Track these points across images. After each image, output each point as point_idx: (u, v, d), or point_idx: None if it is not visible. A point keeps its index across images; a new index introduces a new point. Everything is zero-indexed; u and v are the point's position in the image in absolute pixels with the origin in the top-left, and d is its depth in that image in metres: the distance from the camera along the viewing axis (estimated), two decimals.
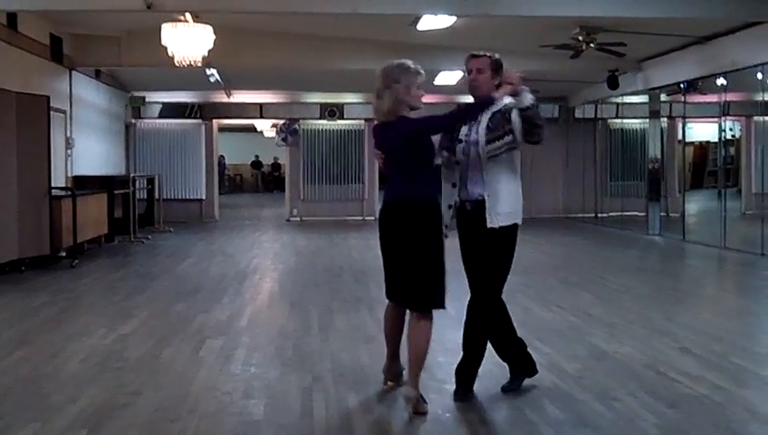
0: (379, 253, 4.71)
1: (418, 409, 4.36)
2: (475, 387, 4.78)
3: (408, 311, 4.62)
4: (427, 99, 4.86)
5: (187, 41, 10.40)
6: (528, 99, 4.45)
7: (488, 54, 4.74)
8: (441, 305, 4.51)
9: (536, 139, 4.49)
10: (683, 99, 14.81)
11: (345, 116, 18.97)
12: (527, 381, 5.00)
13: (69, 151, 13.47)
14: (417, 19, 10.87)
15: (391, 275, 4.63)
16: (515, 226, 4.68)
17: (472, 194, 4.61)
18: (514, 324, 4.92)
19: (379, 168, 4.64)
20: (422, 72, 4.66)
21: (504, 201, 4.57)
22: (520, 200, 4.69)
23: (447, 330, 5.37)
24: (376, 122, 4.78)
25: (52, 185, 10.80)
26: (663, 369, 5.36)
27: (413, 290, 4.49)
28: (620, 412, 4.45)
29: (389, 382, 4.90)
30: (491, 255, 4.61)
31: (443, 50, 12.86)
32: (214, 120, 19.50)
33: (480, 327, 4.69)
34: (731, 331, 6.77)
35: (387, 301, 4.80)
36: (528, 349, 4.98)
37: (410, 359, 4.49)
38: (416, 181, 4.52)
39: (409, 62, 4.65)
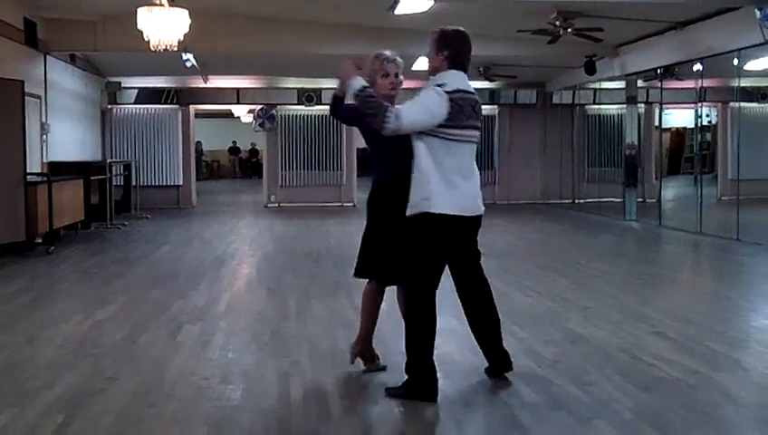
0: (359, 238, 4.78)
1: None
2: (453, 372, 4.81)
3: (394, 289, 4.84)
4: (405, 84, 4.86)
5: (163, 25, 10.30)
6: (351, 88, 4.40)
7: (439, 29, 4.62)
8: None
9: (376, 125, 4.32)
10: (660, 85, 14.90)
11: (323, 101, 18.89)
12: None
13: (44, 137, 13.33)
14: (396, 3, 10.83)
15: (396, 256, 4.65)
16: (417, 217, 4.47)
17: None
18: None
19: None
20: (390, 59, 4.67)
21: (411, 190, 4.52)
22: (422, 192, 4.43)
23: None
24: None
25: (28, 171, 10.69)
26: (638, 353, 5.41)
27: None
28: (595, 396, 4.49)
29: (369, 363, 4.93)
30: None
31: (420, 34, 12.78)
32: (190, 106, 19.35)
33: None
34: (706, 315, 6.84)
35: (369, 286, 4.89)
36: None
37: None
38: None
39: (380, 51, 4.73)
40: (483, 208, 4.63)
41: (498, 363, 4.81)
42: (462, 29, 4.61)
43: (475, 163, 4.63)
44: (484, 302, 4.82)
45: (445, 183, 4.39)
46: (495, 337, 4.81)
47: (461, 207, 4.47)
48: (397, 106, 4.38)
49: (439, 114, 4.34)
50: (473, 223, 4.60)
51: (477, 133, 4.60)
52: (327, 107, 4.72)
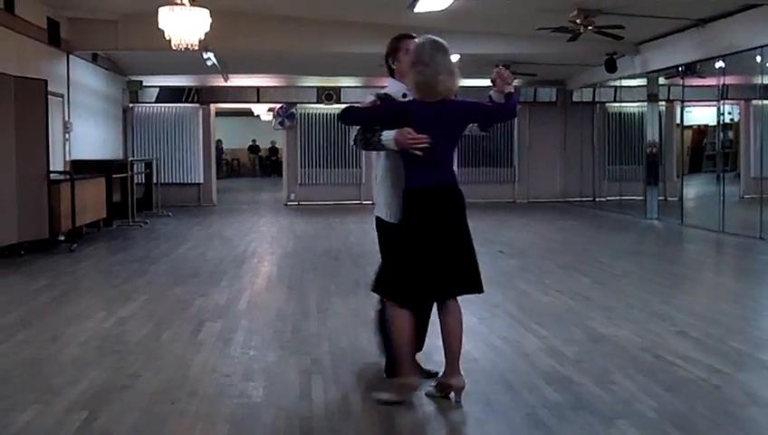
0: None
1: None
2: (474, 371, 4.81)
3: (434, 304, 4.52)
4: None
5: (185, 24, 10.36)
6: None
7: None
8: (482, 288, 4.50)
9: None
10: (681, 82, 14.80)
11: (342, 100, 18.93)
12: (525, 366, 5.03)
13: (67, 135, 13.44)
14: (415, 2, 10.83)
15: (434, 265, 4.28)
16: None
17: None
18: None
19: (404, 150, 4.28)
20: (413, 36, 4.68)
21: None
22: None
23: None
24: (411, 99, 4.41)
25: (51, 169, 10.78)
26: (661, 352, 5.38)
27: (463, 275, 4.39)
28: (618, 395, 4.47)
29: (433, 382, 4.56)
30: None
31: (440, 33, 12.78)
32: (211, 104, 19.46)
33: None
34: (729, 314, 6.79)
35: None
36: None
37: (454, 347, 4.34)
38: (451, 166, 4.41)
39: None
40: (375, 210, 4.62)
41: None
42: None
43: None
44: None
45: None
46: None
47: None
48: None
49: None
50: None
51: None
52: (346, 105, 4.66)
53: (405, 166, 4.36)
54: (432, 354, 4.85)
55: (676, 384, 4.66)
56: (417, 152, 4.22)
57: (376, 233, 4.66)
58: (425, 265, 4.26)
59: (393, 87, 4.63)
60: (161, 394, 4.52)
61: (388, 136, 4.29)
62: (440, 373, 4.48)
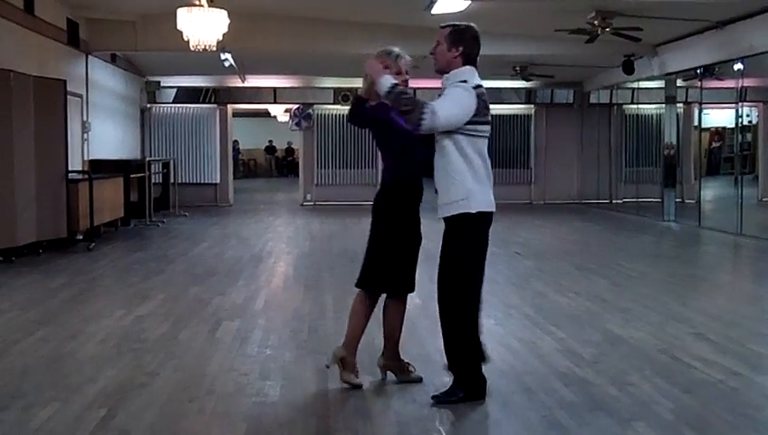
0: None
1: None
2: (491, 371, 4.80)
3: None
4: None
5: (202, 25, 10.42)
6: (382, 86, 4.32)
7: (450, 24, 4.53)
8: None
9: (412, 123, 4.24)
10: (699, 84, 14.72)
11: None
12: (542, 367, 5.03)
13: (85, 135, 13.53)
14: (432, 3, 10.84)
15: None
16: (457, 217, 4.44)
17: None
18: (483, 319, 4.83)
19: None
20: (401, 55, 4.67)
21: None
22: (458, 192, 4.38)
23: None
24: None
25: (69, 169, 10.85)
26: (678, 354, 5.36)
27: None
28: (635, 397, 4.45)
29: (401, 374, 4.77)
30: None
31: None
32: (228, 105, 19.52)
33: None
34: (747, 316, 6.76)
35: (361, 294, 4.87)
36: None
37: (397, 336, 4.75)
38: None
39: (389, 48, 4.77)
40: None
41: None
42: (472, 25, 4.54)
43: None
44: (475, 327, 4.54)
45: (478, 180, 4.37)
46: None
47: (492, 203, 4.48)
48: (431, 102, 4.27)
49: (470, 110, 4.28)
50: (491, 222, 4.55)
51: (489, 128, 4.49)
52: None
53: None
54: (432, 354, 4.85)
55: (694, 386, 4.65)
56: None
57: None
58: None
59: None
60: (179, 392, 4.55)
61: None
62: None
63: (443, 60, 4.43)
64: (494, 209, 4.47)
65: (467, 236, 4.41)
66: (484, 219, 4.41)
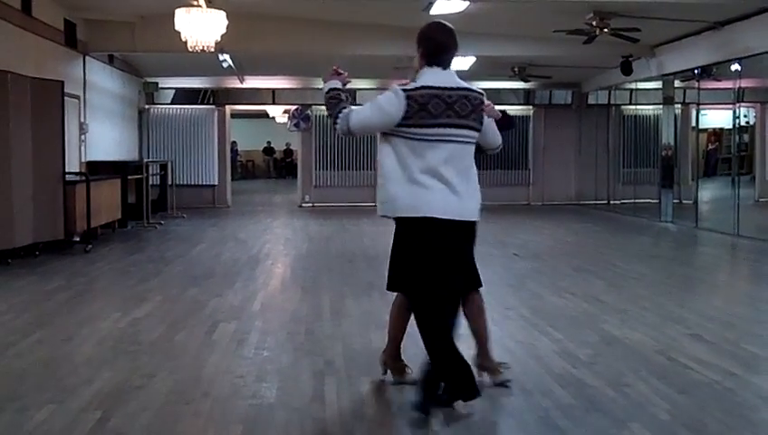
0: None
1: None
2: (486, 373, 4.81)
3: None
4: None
5: (201, 26, 10.40)
6: (324, 90, 4.40)
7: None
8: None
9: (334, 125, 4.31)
10: (697, 85, 14.73)
11: (357, 102, 18.95)
12: (538, 368, 5.04)
13: (83, 137, 13.52)
14: (430, 4, 10.83)
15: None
16: (398, 220, 4.33)
17: None
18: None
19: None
20: None
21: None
22: (383, 194, 4.32)
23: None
24: None
25: (67, 170, 10.83)
26: (675, 355, 5.36)
27: None
28: (632, 398, 4.46)
29: (398, 375, 4.77)
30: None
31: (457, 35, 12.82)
32: (226, 106, 19.51)
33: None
34: (743, 317, 6.77)
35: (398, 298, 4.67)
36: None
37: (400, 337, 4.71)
38: None
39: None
40: (472, 215, 4.26)
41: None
42: (442, 22, 4.39)
43: (466, 165, 4.23)
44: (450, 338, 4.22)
45: (409, 185, 4.14)
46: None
47: (430, 208, 4.11)
48: (352, 107, 4.28)
49: (394, 114, 4.11)
50: (455, 228, 4.17)
51: (461, 131, 4.16)
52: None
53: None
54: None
55: (690, 387, 4.65)
56: None
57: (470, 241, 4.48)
58: None
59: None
60: (175, 395, 4.55)
61: None
62: None
63: (416, 64, 4.35)
64: (440, 216, 4.11)
65: (401, 238, 4.32)
66: (416, 224, 4.13)
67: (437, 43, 4.27)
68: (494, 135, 4.49)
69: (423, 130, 4.11)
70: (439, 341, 4.10)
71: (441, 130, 4.12)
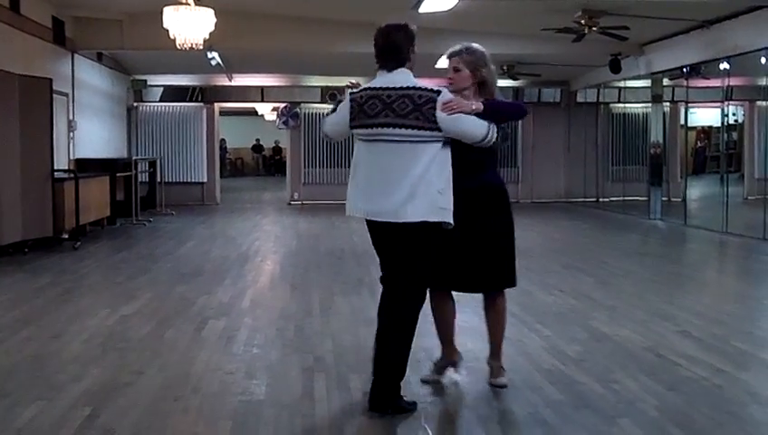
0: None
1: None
2: (477, 370, 4.81)
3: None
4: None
5: (189, 24, 10.40)
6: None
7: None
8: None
9: None
10: (686, 83, 14.79)
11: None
12: (528, 365, 5.05)
13: (71, 134, 13.47)
14: (419, 2, 10.84)
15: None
16: None
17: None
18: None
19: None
20: (448, 54, 4.72)
21: None
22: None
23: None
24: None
25: (55, 167, 10.80)
26: (663, 352, 5.38)
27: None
28: (620, 394, 4.47)
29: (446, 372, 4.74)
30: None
31: (444, 33, 12.79)
32: (215, 104, 19.48)
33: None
34: (732, 314, 6.80)
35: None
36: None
37: (499, 337, 4.70)
38: None
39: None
40: (394, 216, 4.14)
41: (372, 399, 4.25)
42: (384, 25, 4.38)
43: (407, 164, 4.14)
44: (383, 326, 4.31)
45: (352, 184, 4.36)
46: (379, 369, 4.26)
47: (358, 209, 4.29)
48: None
49: (345, 115, 4.32)
50: (380, 229, 4.25)
51: (398, 130, 4.13)
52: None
53: (490, 165, 4.60)
54: (415, 352, 4.86)
55: (679, 384, 4.67)
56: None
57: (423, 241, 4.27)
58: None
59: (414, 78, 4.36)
60: (164, 391, 4.54)
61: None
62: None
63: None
64: (368, 217, 4.25)
65: None
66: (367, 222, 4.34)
67: (375, 46, 4.39)
68: (469, 130, 4.22)
69: (363, 131, 4.27)
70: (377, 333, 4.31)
71: (377, 130, 4.20)
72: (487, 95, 4.48)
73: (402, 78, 4.24)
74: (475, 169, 4.45)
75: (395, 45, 4.29)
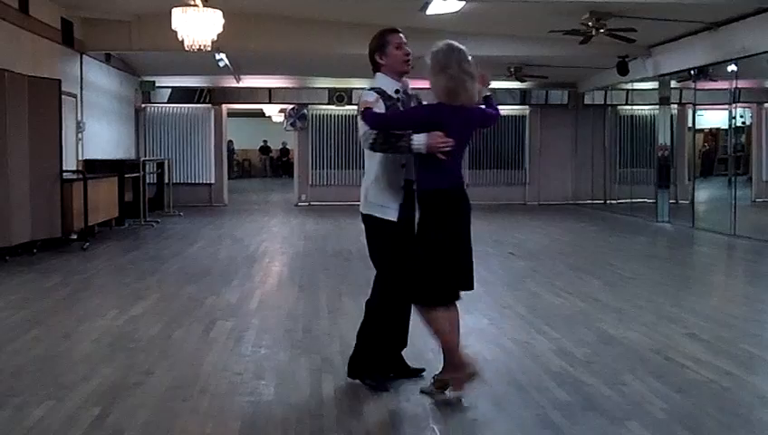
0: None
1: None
2: (485, 371, 4.82)
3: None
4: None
5: (197, 25, 10.41)
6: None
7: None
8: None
9: None
10: (693, 85, 14.76)
11: (353, 101, 18.94)
12: (535, 367, 5.05)
13: (80, 135, 13.51)
14: (427, 4, 10.86)
15: (464, 263, 4.47)
16: None
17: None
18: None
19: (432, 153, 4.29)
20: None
21: None
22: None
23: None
24: (437, 103, 4.41)
25: (64, 168, 10.84)
26: (671, 354, 5.38)
27: (472, 272, 4.54)
28: (628, 396, 4.47)
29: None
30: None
31: (452, 35, 12.74)
32: (223, 105, 19.52)
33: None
34: (740, 317, 6.78)
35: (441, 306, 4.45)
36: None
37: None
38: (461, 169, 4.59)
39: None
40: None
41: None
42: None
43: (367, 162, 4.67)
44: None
45: None
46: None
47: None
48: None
49: None
50: None
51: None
52: (363, 108, 4.61)
53: (421, 168, 4.42)
54: (423, 353, 4.86)
55: (687, 386, 4.66)
56: (442, 156, 4.29)
57: (366, 232, 4.70)
58: (456, 262, 4.42)
59: (383, 82, 4.62)
60: (173, 391, 4.55)
61: (419, 140, 4.31)
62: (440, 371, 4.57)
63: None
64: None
65: None
66: None
67: None
68: (360, 129, 4.57)
69: None
70: None
71: None
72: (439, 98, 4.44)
73: (372, 82, 4.64)
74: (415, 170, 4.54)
75: (369, 53, 4.70)
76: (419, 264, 4.38)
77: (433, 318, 4.42)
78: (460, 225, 4.44)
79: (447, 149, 4.29)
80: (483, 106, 4.64)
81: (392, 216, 4.53)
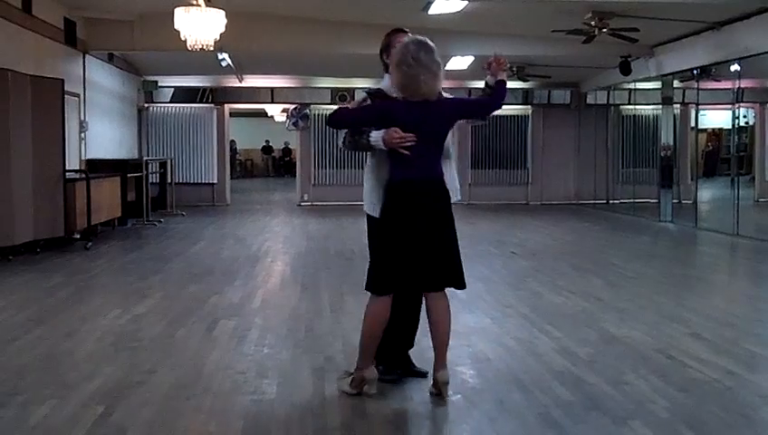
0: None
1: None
2: (487, 370, 4.82)
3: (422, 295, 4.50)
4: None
5: (200, 25, 10.41)
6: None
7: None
8: (464, 284, 4.48)
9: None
10: (696, 85, 14.75)
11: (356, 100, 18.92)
12: (538, 366, 5.05)
13: (82, 135, 13.53)
14: (429, 4, 10.86)
15: (415, 257, 4.29)
16: None
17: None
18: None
19: (391, 147, 4.28)
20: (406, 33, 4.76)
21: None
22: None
23: (458, 313, 5.39)
24: (396, 97, 4.42)
25: (67, 168, 10.85)
26: (674, 353, 5.37)
27: (444, 270, 4.35)
28: (631, 396, 4.47)
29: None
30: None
31: (454, 34, 12.86)
32: (225, 105, 19.54)
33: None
34: (743, 317, 6.78)
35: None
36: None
37: (441, 340, 4.38)
38: (436, 162, 4.42)
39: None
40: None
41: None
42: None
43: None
44: None
45: None
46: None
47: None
48: None
49: None
50: None
51: None
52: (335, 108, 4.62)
53: (390, 162, 4.42)
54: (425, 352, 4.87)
55: (689, 385, 4.66)
56: (405, 151, 4.27)
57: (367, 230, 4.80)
58: (405, 256, 4.30)
59: (387, 82, 4.63)
60: (176, 390, 4.56)
61: (376, 136, 4.35)
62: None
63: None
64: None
65: None
66: None
67: None
68: None
69: None
70: None
71: None
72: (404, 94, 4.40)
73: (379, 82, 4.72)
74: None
75: (379, 53, 4.83)
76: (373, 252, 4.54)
77: (369, 306, 4.47)
78: (424, 218, 4.30)
79: (408, 144, 4.25)
80: (465, 98, 4.64)
81: (375, 213, 4.56)
